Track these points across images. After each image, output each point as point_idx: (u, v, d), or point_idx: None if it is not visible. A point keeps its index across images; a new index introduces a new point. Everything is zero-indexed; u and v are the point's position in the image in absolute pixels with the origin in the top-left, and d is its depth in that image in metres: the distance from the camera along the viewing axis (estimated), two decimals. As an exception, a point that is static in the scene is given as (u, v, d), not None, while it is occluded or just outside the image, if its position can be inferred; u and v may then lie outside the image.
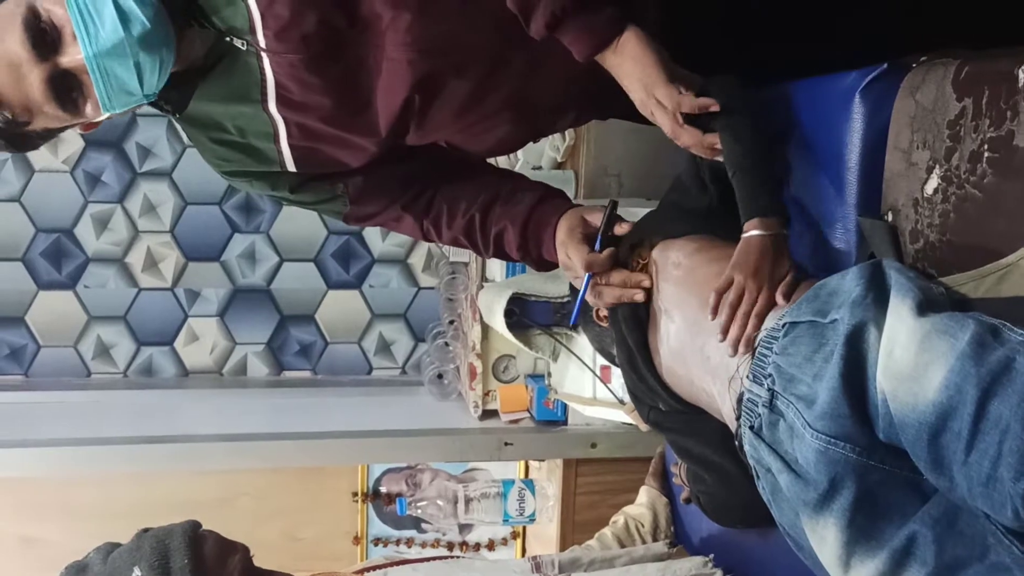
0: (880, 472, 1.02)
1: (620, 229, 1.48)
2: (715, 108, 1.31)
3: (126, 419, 2.53)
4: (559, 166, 2.49)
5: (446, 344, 2.67)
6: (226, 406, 2.71)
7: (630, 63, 1.33)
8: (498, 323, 2.20)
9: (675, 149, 1.48)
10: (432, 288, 2.91)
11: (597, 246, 1.47)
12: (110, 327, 2.81)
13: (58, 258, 2.75)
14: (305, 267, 2.89)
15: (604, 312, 1.51)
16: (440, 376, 2.67)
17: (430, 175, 1.60)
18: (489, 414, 2.48)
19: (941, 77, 1.12)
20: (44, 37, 1.25)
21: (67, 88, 1.28)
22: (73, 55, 1.25)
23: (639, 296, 1.42)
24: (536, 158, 2.47)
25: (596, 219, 1.50)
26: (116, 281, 2.79)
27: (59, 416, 2.56)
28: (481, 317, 2.37)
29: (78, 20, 1.24)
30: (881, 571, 1.01)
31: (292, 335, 2.91)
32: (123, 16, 1.25)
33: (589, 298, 1.49)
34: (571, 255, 1.50)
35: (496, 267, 2.41)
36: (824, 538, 1.04)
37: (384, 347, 2.96)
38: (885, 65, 1.23)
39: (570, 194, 2.41)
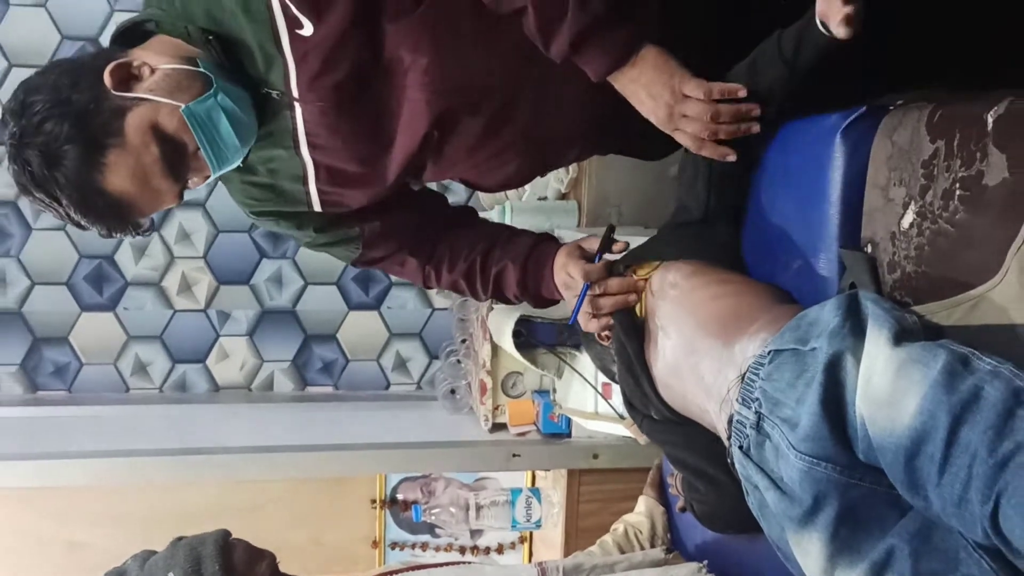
0: (860, 489, 1.01)
1: (617, 247, 1.49)
2: (743, 92, 1.30)
3: (162, 432, 2.53)
4: (563, 197, 2.49)
5: (458, 362, 2.67)
6: (254, 419, 2.71)
7: (652, 71, 1.30)
8: (507, 343, 2.21)
9: (670, 180, 1.49)
10: (445, 309, 2.91)
11: (596, 262, 1.48)
12: (147, 346, 2.81)
13: (99, 282, 2.75)
14: (328, 290, 2.89)
15: (606, 332, 1.51)
16: (453, 391, 2.66)
17: (436, 225, 1.62)
18: (498, 427, 2.47)
19: (916, 120, 1.12)
20: (178, 164, 1.31)
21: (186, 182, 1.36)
22: (202, 171, 1.34)
23: (632, 298, 1.44)
24: (542, 189, 2.48)
25: (594, 244, 1.51)
26: (153, 303, 2.80)
27: (100, 429, 2.56)
28: (491, 337, 2.37)
29: (203, 141, 1.30)
30: None
31: (315, 353, 2.91)
32: (236, 125, 1.32)
33: (588, 309, 1.48)
34: (571, 272, 1.51)
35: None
36: (809, 551, 1.04)
37: (401, 364, 2.96)
38: (864, 108, 1.23)
39: (573, 223, 2.42)
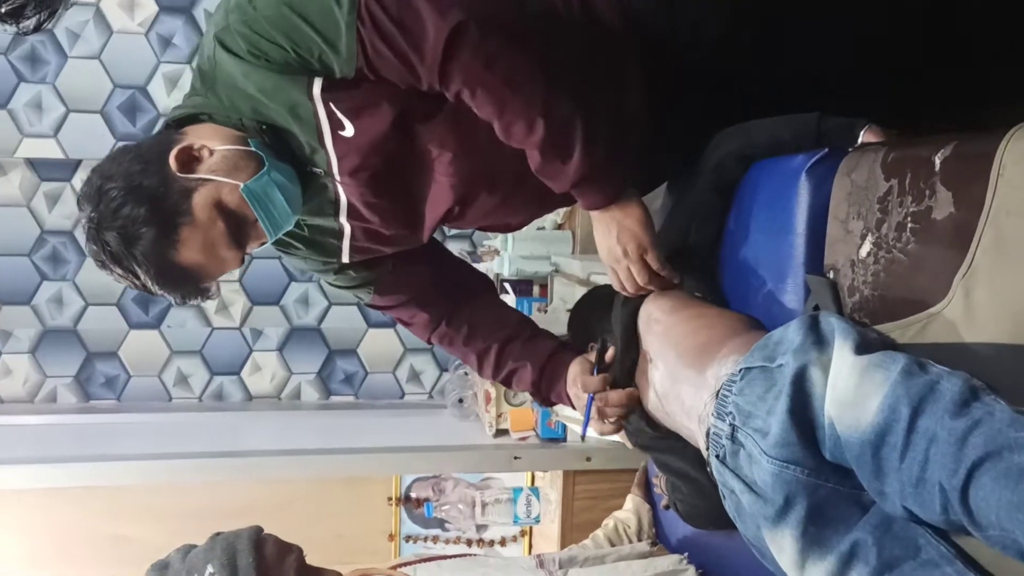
0: (827, 489, 1.01)
1: (609, 356, 1.49)
2: (676, 280, 1.39)
3: (200, 437, 2.53)
4: (559, 227, 2.50)
5: (465, 374, 2.67)
6: (283, 426, 2.72)
7: (635, 223, 1.36)
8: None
9: (654, 212, 1.51)
10: (454, 327, 2.92)
11: (595, 370, 1.48)
12: (188, 360, 2.81)
13: (146, 303, 2.76)
14: (349, 310, 2.89)
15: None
16: (461, 400, 2.67)
17: (450, 285, 1.62)
18: (501, 432, 2.47)
19: (872, 161, 1.12)
20: (241, 234, 1.31)
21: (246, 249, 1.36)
22: (260, 238, 1.34)
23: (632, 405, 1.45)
24: (540, 220, 2.49)
25: (590, 355, 1.52)
26: (193, 322, 2.80)
27: (145, 434, 2.57)
28: (495, 352, 2.36)
29: (261, 214, 1.30)
30: (831, 571, 1.00)
31: (338, 366, 2.91)
32: (287, 196, 1.32)
33: (595, 416, 1.49)
34: (576, 382, 1.52)
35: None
36: (782, 547, 1.03)
37: (414, 376, 2.96)
38: (827, 150, 1.24)
39: (568, 250, 2.43)
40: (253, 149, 1.30)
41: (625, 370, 1.46)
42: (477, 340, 1.61)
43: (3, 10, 0.85)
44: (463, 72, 1.24)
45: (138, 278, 1.28)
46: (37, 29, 0.98)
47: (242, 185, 1.28)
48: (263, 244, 1.37)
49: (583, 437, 1.58)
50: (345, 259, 1.50)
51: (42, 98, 2.60)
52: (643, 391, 1.42)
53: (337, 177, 1.36)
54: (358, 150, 1.32)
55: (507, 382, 1.64)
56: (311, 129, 1.30)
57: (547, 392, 1.61)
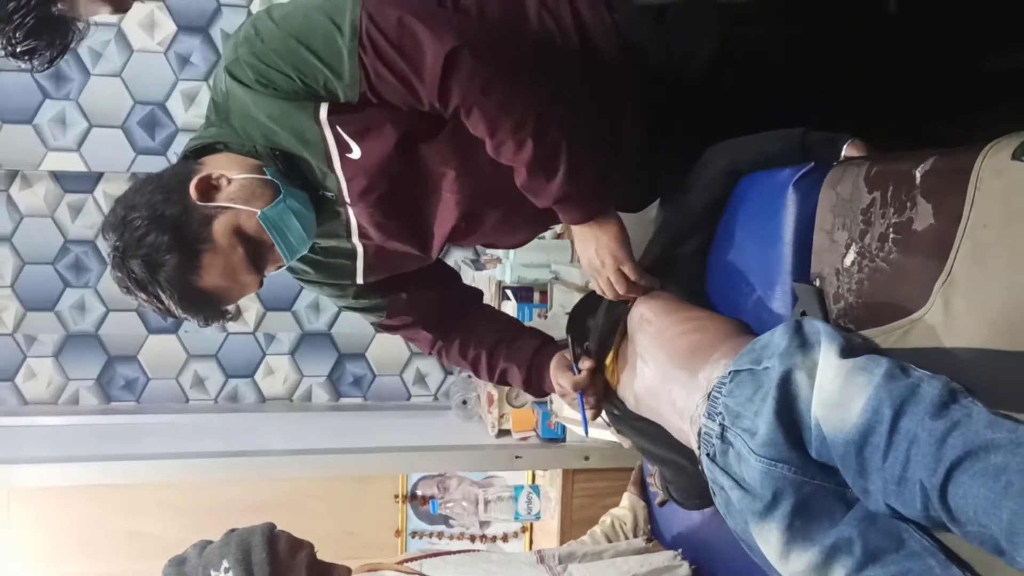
0: (812, 486, 1.02)
1: (584, 363, 1.50)
2: (656, 288, 1.41)
3: (216, 437, 2.52)
4: (558, 236, 2.51)
5: (469, 377, 2.66)
6: (295, 426, 2.71)
7: (610, 239, 1.38)
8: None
9: (649, 223, 1.52)
10: (458, 332, 2.92)
11: (575, 370, 1.50)
12: (204, 363, 2.81)
13: (164, 309, 2.76)
14: (358, 316, 2.87)
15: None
16: (465, 402, 2.66)
17: (451, 304, 1.64)
18: (503, 433, 2.46)
19: (856, 174, 1.13)
20: (259, 259, 1.32)
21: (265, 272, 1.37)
22: (277, 261, 1.35)
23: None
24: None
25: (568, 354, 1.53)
26: (209, 327, 2.79)
27: (163, 434, 2.56)
28: (497, 356, 2.37)
29: (277, 239, 1.31)
30: (814, 562, 1.01)
31: (347, 369, 2.90)
32: (303, 222, 1.33)
33: (588, 411, 1.52)
34: (561, 383, 1.54)
35: (509, 310, 2.42)
36: (769, 540, 1.04)
37: (420, 379, 2.95)
38: (813, 164, 1.25)
39: (566, 259, 2.43)
40: (269, 177, 1.31)
41: (600, 361, 1.49)
42: (469, 348, 1.64)
43: (18, 49, 0.84)
44: (460, 93, 1.25)
45: (162, 303, 1.29)
46: (51, 65, 0.98)
47: (259, 212, 1.29)
48: (280, 268, 1.38)
49: (587, 433, 1.61)
50: (360, 280, 1.51)
51: (66, 114, 2.61)
52: (629, 384, 1.43)
53: (347, 199, 1.36)
54: (365, 172, 1.33)
55: (503, 382, 1.67)
56: (320, 153, 1.31)
57: (538, 386, 1.62)
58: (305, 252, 1.41)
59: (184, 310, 1.30)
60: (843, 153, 1.31)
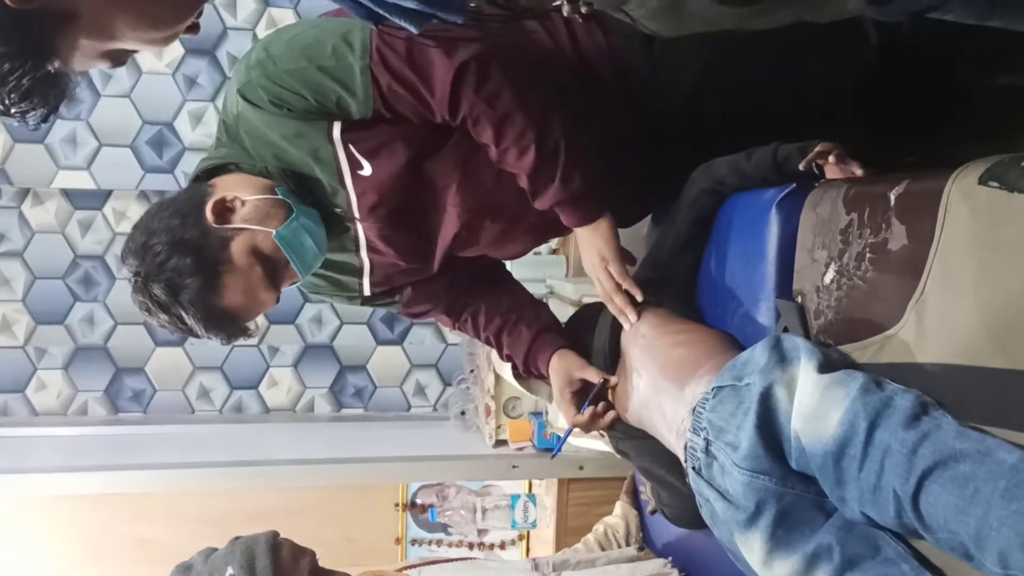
0: (793, 496, 1.04)
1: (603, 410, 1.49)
2: (640, 298, 1.42)
3: (221, 447, 2.54)
4: (554, 252, 2.53)
5: (467, 388, 2.68)
6: (298, 436, 2.72)
7: (601, 240, 1.41)
8: (507, 373, 2.19)
9: (641, 239, 1.54)
10: (457, 344, 2.92)
11: (585, 406, 1.48)
12: (210, 375, 2.83)
13: (171, 322, 2.77)
14: (360, 328, 2.91)
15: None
16: (463, 413, 2.68)
17: (463, 284, 1.64)
18: (501, 443, 2.48)
19: (835, 196, 1.14)
20: (276, 276, 1.35)
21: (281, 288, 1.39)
22: (292, 277, 1.38)
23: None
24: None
25: (584, 373, 1.50)
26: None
27: (170, 444, 2.57)
28: (494, 368, 2.38)
29: (292, 257, 1.34)
30: (796, 569, 1.02)
31: (349, 381, 2.92)
32: (315, 238, 1.36)
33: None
34: (561, 409, 1.53)
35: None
36: (752, 548, 1.05)
37: (420, 390, 2.97)
38: (794, 185, 1.27)
39: (562, 274, 2.46)
40: (281, 197, 1.33)
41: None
42: (480, 331, 1.65)
43: (12, 110, 0.84)
44: (468, 104, 1.29)
45: (184, 323, 1.31)
46: (44, 121, 0.98)
47: (275, 232, 1.31)
48: (295, 283, 1.40)
49: (553, 456, 1.66)
50: (366, 293, 1.54)
51: (76, 133, 2.64)
52: (625, 397, 1.45)
53: (357, 214, 1.39)
54: (376, 188, 1.35)
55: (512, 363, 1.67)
56: (332, 171, 1.33)
57: (538, 376, 1.63)
58: (318, 267, 1.43)
59: (207, 329, 1.32)
60: (814, 154, 1.30)
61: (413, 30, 1.00)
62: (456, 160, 1.38)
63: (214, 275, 1.29)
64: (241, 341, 2.65)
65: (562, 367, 1.54)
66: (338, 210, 1.39)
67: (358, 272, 1.50)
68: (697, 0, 0.96)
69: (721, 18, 1.00)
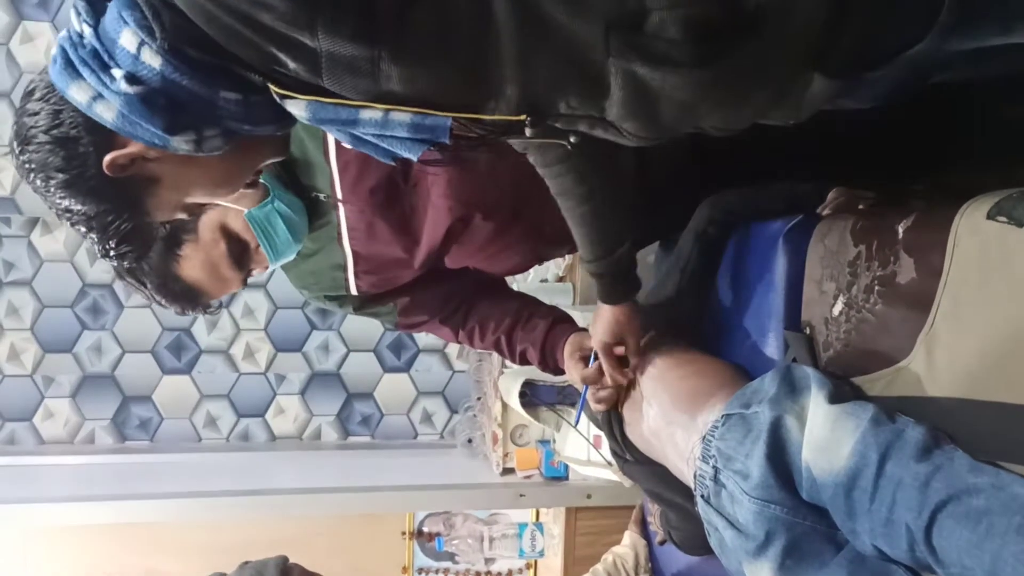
0: (804, 527, 1.03)
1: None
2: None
3: (228, 475, 2.55)
4: (560, 279, 2.54)
5: (474, 416, 2.68)
6: (305, 465, 2.73)
7: (599, 321, 1.39)
8: (514, 401, 2.22)
9: (648, 266, 1.54)
10: (464, 371, 2.93)
11: (591, 363, 1.47)
12: (216, 403, 2.83)
13: (178, 350, 2.78)
14: (367, 356, 2.91)
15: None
16: (470, 441, 2.68)
17: (464, 294, 1.63)
18: (508, 471, 2.49)
19: (843, 228, 1.14)
20: (242, 257, 1.35)
21: (250, 272, 1.39)
22: (262, 263, 1.38)
23: (623, 381, 1.44)
24: (543, 273, 2.53)
25: (591, 342, 1.49)
26: (222, 368, 2.82)
27: (177, 473, 2.58)
28: (501, 396, 2.39)
29: (262, 239, 1.35)
30: None
31: (356, 408, 2.92)
32: (290, 225, 1.36)
33: (591, 404, 1.49)
34: (571, 372, 1.52)
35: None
36: (761, 579, 1.06)
37: (427, 418, 2.97)
38: (802, 216, 1.27)
39: (568, 302, 2.47)
40: (261, 180, 1.34)
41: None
42: (488, 334, 1.63)
43: (111, 254, 0.97)
44: None
45: (146, 287, 1.32)
46: (136, 262, 1.17)
47: (246, 211, 1.32)
48: (266, 269, 1.40)
49: (576, 424, 1.59)
50: (352, 291, 1.52)
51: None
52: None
53: (339, 195, 1.39)
54: (357, 160, 1.35)
55: (525, 362, 1.65)
56: (318, 142, 1.34)
57: (554, 366, 1.61)
58: (292, 257, 1.43)
59: (163, 296, 1.33)
60: (829, 199, 1.32)
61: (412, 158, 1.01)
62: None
63: (175, 242, 1.30)
64: (248, 369, 2.66)
65: (576, 340, 1.53)
66: (322, 196, 1.40)
67: (342, 268, 1.50)
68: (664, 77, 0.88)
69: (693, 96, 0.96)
